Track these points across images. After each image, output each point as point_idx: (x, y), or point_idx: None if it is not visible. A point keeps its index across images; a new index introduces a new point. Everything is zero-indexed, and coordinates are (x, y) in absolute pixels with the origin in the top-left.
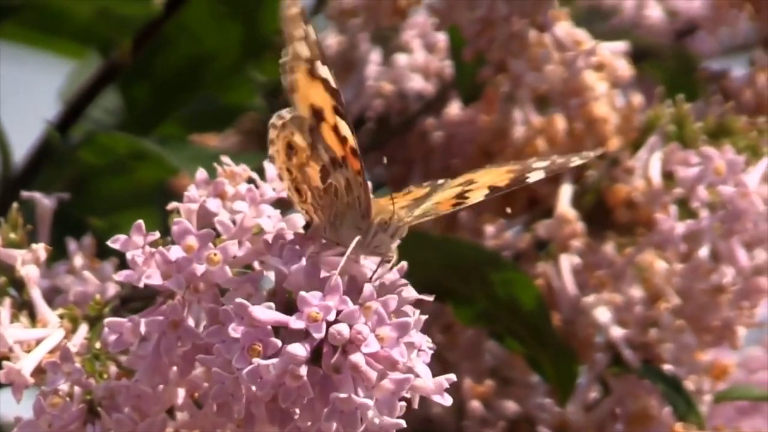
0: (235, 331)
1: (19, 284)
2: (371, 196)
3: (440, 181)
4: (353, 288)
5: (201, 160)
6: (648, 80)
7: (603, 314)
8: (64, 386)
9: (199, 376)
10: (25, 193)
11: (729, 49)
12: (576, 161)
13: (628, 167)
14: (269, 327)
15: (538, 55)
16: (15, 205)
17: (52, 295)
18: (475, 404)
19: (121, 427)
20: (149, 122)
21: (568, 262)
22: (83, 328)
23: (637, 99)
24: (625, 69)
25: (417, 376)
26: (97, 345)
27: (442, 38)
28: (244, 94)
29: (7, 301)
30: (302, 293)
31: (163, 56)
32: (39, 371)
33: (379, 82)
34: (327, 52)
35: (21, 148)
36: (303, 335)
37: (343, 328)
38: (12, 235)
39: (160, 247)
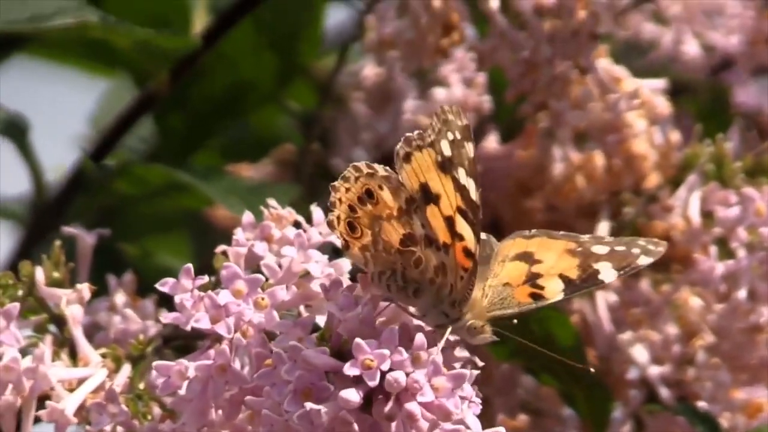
0: (288, 374)
1: (59, 321)
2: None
3: (482, 236)
4: (405, 338)
5: (235, 192)
6: (683, 115)
7: (639, 351)
8: (108, 428)
9: (243, 419)
10: (66, 229)
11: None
12: (642, 258)
13: (667, 205)
14: (322, 371)
15: (578, 93)
16: (58, 242)
17: (92, 332)
18: None
19: None
20: (183, 151)
21: (604, 299)
22: (126, 368)
23: (675, 136)
24: (664, 106)
25: (467, 428)
26: (141, 385)
27: (480, 74)
28: (276, 122)
29: (49, 338)
30: (358, 340)
31: (199, 86)
32: (80, 410)
33: (416, 115)
34: (364, 82)
35: (49, 161)
36: (355, 382)
37: (400, 376)
38: (55, 274)
39: (210, 292)
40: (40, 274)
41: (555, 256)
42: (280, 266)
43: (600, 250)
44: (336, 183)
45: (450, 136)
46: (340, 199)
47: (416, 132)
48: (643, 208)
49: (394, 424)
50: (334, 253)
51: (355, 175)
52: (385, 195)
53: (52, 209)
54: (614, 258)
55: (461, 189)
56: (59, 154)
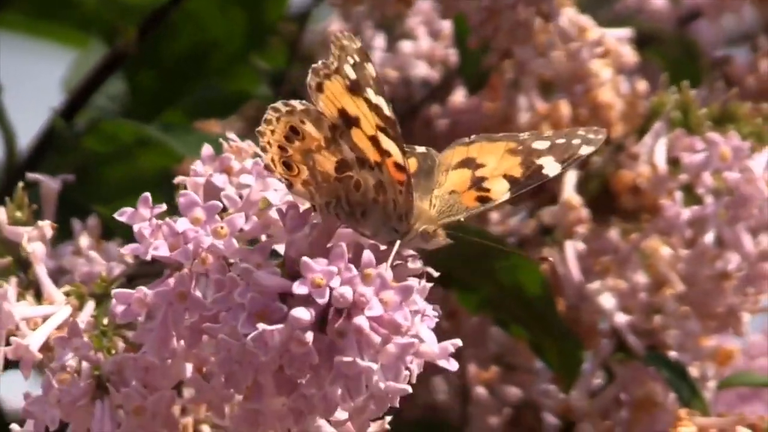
0: (240, 296)
1: (24, 264)
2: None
3: (420, 149)
4: (358, 258)
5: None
6: (651, 66)
7: (608, 300)
8: (72, 362)
9: (207, 351)
10: (30, 175)
11: (731, 35)
12: (584, 147)
13: (633, 153)
14: (275, 293)
15: (543, 41)
16: (20, 184)
17: (58, 276)
18: (480, 390)
19: (130, 401)
20: (153, 109)
21: (573, 248)
22: (90, 305)
23: (642, 85)
24: (629, 55)
25: (422, 341)
26: (105, 321)
27: (446, 25)
28: (246, 82)
29: (14, 280)
30: (305, 258)
31: (168, 44)
32: (46, 349)
33: (384, 68)
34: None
35: (24, 137)
36: (307, 302)
37: (346, 291)
38: (18, 214)
39: (168, 219)
40: (2, 214)
41: (497, 158)
42: (241, 197)
43: (541, 145)
44: (260, 128)
45: (350, 60)
46: (269, 143)
47: (320, 62)
48: (610, 157)
49: (346, 340)
50: None
51: (275, 115)
52: (309, 128)
53: (23, 170)
54: (556, 151)
55: (375, 108)
56: (32, 126)
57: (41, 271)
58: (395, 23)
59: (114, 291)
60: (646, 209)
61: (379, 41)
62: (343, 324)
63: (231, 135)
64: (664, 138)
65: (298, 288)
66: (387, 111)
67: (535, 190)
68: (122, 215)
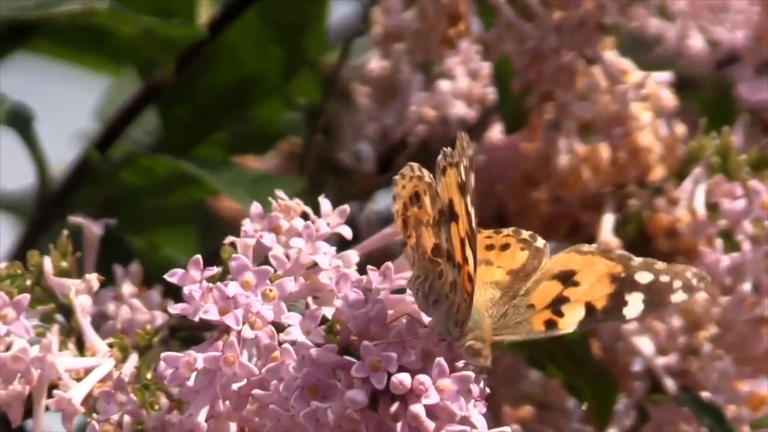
0: (295, 370)
1: (66, 311)
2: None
3: (539, 244)
4: (412, 332)
5: (242, 183)
6: (688, 110)
7: (643, 342)
8: (115, 416)
9: (251, 411)
10: (72, 218)
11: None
12: (679, 294)
13: (673, 198)
14: (329, 368)
15: (584, 84)
16: (65, 232)
17: (98, 322)
18: (515, 428)
19: None
20: (188, 143)
21: None
22: (133, 358)
23: (681, 129)
24: (669, 99)
25: (473, 427)
26: (148, 375)
27: (485, 65)
28: (280, 114)
29: (56, 328)
30: (366, 343)
31: (204, 78)
32: (88, 399)
33: (422, 107)
34: (370, 75)
35: (52, 161)
36: (363, 380)
37: (405, 378)
38: (63, 264)
39: (218, 283)
40: (48, 263)
41: (593, 279)
42: (288, 257)
43: (643, 278)
44: (396, 177)
45: (465, 162)
46: (398, 194)
47: (449, 150)
48: (648, 201)
49: (399, 424)
50: (341, 244)
51: (409, 174)
52: (427, 201)
53: (56, 200)
54: (652, 290)
55: (468, 216)
56: (62, 151)
57: (86, 322)
58: (433, 62)
59: (163, 355)
60: (681, 252)
61: (418, 80)
62: (399, 409)
63: (280, 193)
64: (704, 183)
65: (357, 371)
66: (474, 224)
67: (573, 230)
68: (173, 276)
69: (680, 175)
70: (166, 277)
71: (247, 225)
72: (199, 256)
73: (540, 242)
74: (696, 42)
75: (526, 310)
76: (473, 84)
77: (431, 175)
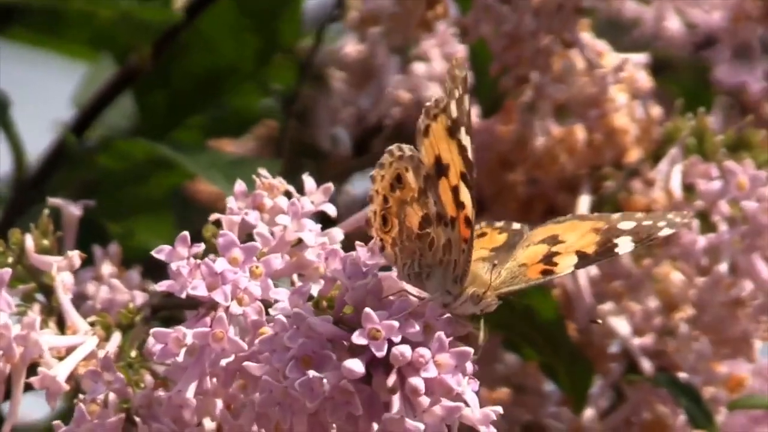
0: (290, 340)
1: (47, 290)
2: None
3: (515, 226)
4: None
5: (218, 166)
6: (665, 92)
7: (619, 323)
8: (101, 395)
9: (236, 388)
10: (51, 200)
11: (743, 60)
12: (665, 229)
13: (648, 179)
14: (324, 339)
15: (560, 66)
16: (46, 211)
17: (78, 302)
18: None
19: None
20: (164, 128)
21: (585, 272)
22: (117, 336)
23: (656, 111)
24: (645, 81)
25: (466, 404)
26: (132, 354)
27: (461, 48)
28: (257, 101)
29: (37, 307)
30: (368, 309)
31: (180, 63)
32: (70, 378)
33: (397, 90)
34: (345, 59)
35: (31, 151)
36: (358, 352)
37: (406, 350)
38: (45, 242)
39: (206, 259)
40: (29, 241)
41: (578, 235)
42: (272, 235)
43: (626, 225)
44: (373, 172)
45: (456, 93)
46: (377, 191)
47: (434, 99)
48: (623, 183)
49: (396, 398)
50: (323, 222)
51: (389, 160)
52: (410, 177)
53: (32, 185)
54: (637, 231)
55: (463, 150)
56: (38, 140)
57: (67, 300)
58: (408, 45)
59: (152, 330)
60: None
61: (393, 63)
62: (396, 382)
63: (263, 171)
64: (680, 164)
65: (358, 339)
66: (470, 154)
67: (548, 213)
68: (160, 253)
69: (656, 156)
70: (153, 253)
71: (231, 203)
72: (186, 233)
73: (516, 225)
74: (673, 24)
75: (519, 268)
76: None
77: (412, 148)
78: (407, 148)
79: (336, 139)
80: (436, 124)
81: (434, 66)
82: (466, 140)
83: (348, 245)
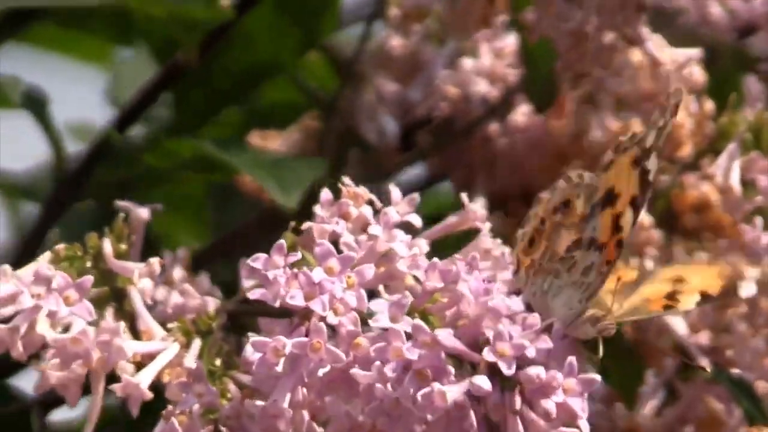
0: (409, 352)
1: (118, 294)
2: None
3: (649, 266)
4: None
5: (261, 164)
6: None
7: (675, 320)
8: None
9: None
10: (119, 203)
11: None
12: None
13: (708, 174)
14: (442, 354)
15: (618, 60)
16: (121, 215)
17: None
18: None
19: None
20: (199, 124)
21: None
22: (197, 343)
23: (709, 105)
24: (699, 75)
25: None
26: (217, 362)
27: (509, 43)
28: (290, 95)
29: (111, 311)
30: (500, 327)
31: (220, 61)
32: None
33: (445, 85)
34: (391, 53)
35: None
36: (481, 370)
37: (540, 371)
38: (122, 246)
39: (304, 268)
40: (108, 246)
41: (704, 278)
42: (358, 244)
43: (753, 273)
44: (542, 194)
45: (660, 122)
46: (536, 213)
47: (630, 134)
48: (677, 177)
49: (515, 419)
50: (407, 231)
51: (563, 185)
52: (579, 203)
53: (71, 182)
54: (764, 281)
55: (644, 174)
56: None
57: (143, 306)
58: (452, 40)
59: (252, 340)
60: (708, 228)
61: (442, 58)
62: (525, 404)
63: (347, 180)
64: (738, 159)
65: (488, 355)
66: (652, 176)
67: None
68: (256, 261)
69: (708, 151)
70: (249, 262)
71: (319, 210)
72: (283, 242)
73: (650, 265)
74: (716, 10)
75: (642, 303)
76: (496, 62)
77: (593, 176)
78: (587, 176)
79: (383, 131)
80: (622, 157)
81: (482, 61)
82: (653, 164)
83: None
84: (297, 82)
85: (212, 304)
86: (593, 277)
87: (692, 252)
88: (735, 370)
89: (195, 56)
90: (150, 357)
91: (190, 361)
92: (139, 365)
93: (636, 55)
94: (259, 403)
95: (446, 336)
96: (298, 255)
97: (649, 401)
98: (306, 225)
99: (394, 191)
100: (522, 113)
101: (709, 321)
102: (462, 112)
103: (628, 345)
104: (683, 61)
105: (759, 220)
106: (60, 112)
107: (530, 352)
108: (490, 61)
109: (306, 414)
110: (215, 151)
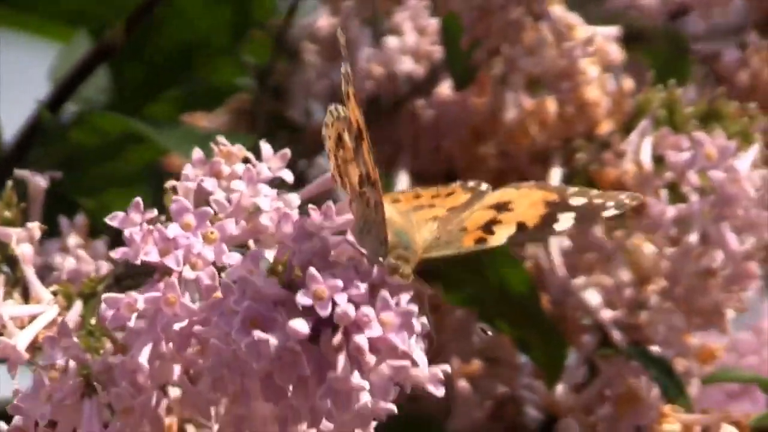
0: (236, 303)
1: (11, 261)
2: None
3: (483, 187)
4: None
5: (192, 141)
6: (638, 63)
7: (592, 296)
8: (60, 361)
9: (194, 353)
10: (17, 171)
11: (719, 31)
12: (612, 210)
13: (619, 151)
14: (270, 302)
15: (532, 39)
16: (10, 183)
17: (45, 273)
18: (463, 384)
19: (120, 402)
20: (138, 102)
21: (557, 244)
22: (78, 305)
23: (628, 83)
24: (616, 53)
25: (414, 363)
26: (92, 321)
27: (432, 21)
28: (231, 75)
29: (1, 278)
30: (311, 269)
31: (153, 38)
32: (33, 347)
33: (370, 64)
34: (318, 33)
35: (8, 130)
36: (306, 314)
37: (349, 309)
38: (6, 213)
39: (158, 224)
40: None
41: (528, 204)
42: (229, 202)
43: (577, 201)
44: (323, 132)
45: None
46: (329, 149)
47: (347, 68)
48: (595, 155)
49: (341, 357)
50: (282, 188)
51: (331, 120)
52: (347, 137)
53: (8, 161)
54: (585, 210)
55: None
56: (14, 119)
57: (29, 271)
58: (381, 19)
59: (104, 296)
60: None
61: (366, 37)
62: (341, 341)
63: (221, 138)
64: (650, 136)
65: (302, 299)
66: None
67: None
68: (113, 219)
69: (627, 128)
70: (106, 220)
71: (188, 169)
72: (139, 199)
73: (484, 186)
74: None
75: (459, 232)
76: (421, 40)
77: (345, 109)
78: (342, 110)
79: (310, 112)
80: (351, 89)
81: (406, 39)
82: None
83: None
84: (235, 60)
85: (105, 268)
86: (379, 215)
87: (612, 230)
88: (654, 347)
89: (121, 34)
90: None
91: (69, 321)
92: None
93: (551, 35)
94: (120, 356)
95: (264, 284)
96: (155, 212)
97: (571, 376)
98: (170, 183)
99: (265, 147)
100: (446, 88)
101: (627, 296)
102: (387, 90)
103: (549, 320)
104: (588, 36)
105: (663, 193)
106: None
107: (351, 292)
108: (414, 39)
109: (177, 367)
110: (142, 127)
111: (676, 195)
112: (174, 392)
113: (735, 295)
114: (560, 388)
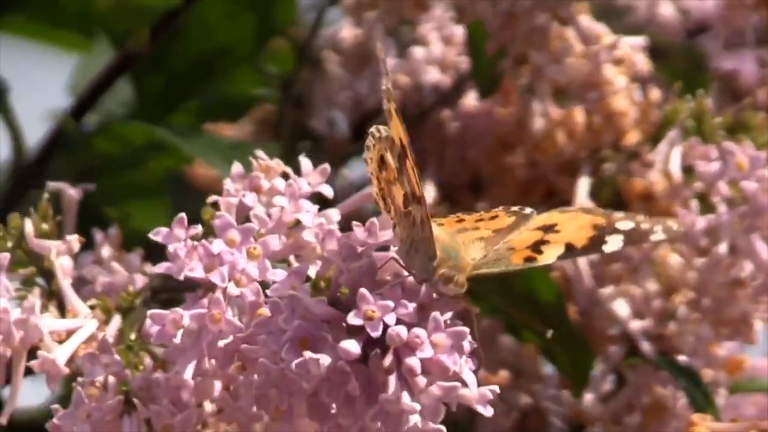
0: (285, 322)
1: (47, 274)
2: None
3: (528, 210)
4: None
5: (217, 149)
6: (660, 78)
7: (620, 306)
8: (99, 378)
9: (234, 369)
10: (51, 184)
11: (736, 47)
12: (660, 234)
13: (647, 161)
14: (319, 321)
15: (558, 47)
16: (45, 195)
17: (79, 285)
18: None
19: (160, 419)
20: (160, 112)
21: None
22: (116, 319)
23: (655, 93)
24: (643, 63)
25: (464, 383)
26: (132, 336)
27: (458, 31)
28: (254, 85)
29: (37, 291)
30: (363, 290)
31: (176, 48)
32: (71, 361)
33: (396, 74)
34: (342, 43)
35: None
36: (352, 333)
37: (402, 330)
38: (44, 226)
39: (203, 241)
40: (29, 226)
41: (575, 227)
42: (269, 217)
43: (624, 226)
44: (364, 155)
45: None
46: (371, 173)
47: (388, 81)
48: (623, 165)
49: (391, 378)
50: (321, 203)
51: (372, 142)
52: (389, 158)
53: (31, 172)
54: (632, 234)
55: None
56: (33, 130)
57: (67, 284)
58: (406, 29)
59: (149, 312)
60: (656, 216)
61: (391, 47)
62: (392, 362)
63: (260, 153)
64: (679, 146)
65: (353, 319)
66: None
67: (548, 195)
68: (157, 235)
69: (655, 139)
70: (150, 235)
71: (228, 185)
72: (183, 215)
73: (528, 210)
74: (666, 10)
75: (507, 251)
76: (447, 50)
77: (388, 128)
78: (383, 129)
79: (333, 122)
80: (391, 106)
81: (432, 49)
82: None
83: (347, 227)
84: (257, 70)
85: (140, 281)
86: (427, 232)
87: None
88: (682, 357)
89: (145, 43)
90: (73, 335)
91: (108, 336)
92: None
93: (577, 43)
94: (162, 373)
95: (315, 304)
96: (199, 228)
97: (598, 387)
98: (212, 198)
99: (305, 162)
100: (472, 98)
101: (655, 307)
102: (413, 100)
103: (576, 330)
104: (614, 41)
105: (694, 204)
106: (51, 100)
107: (400, 312)
108: (440, 49)
109: (218, 384)
110: (167, 135)
111: (706, 206)
112: (211, 407)
113: (763, 305)
114: (588, 398)
